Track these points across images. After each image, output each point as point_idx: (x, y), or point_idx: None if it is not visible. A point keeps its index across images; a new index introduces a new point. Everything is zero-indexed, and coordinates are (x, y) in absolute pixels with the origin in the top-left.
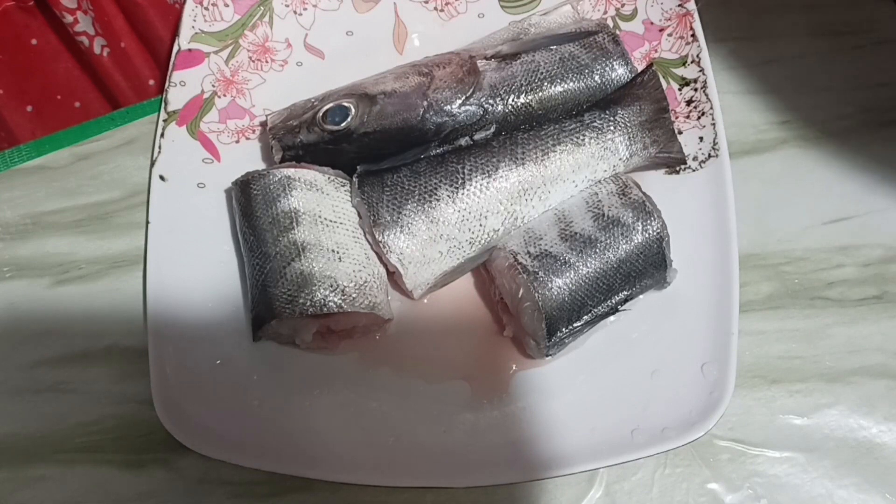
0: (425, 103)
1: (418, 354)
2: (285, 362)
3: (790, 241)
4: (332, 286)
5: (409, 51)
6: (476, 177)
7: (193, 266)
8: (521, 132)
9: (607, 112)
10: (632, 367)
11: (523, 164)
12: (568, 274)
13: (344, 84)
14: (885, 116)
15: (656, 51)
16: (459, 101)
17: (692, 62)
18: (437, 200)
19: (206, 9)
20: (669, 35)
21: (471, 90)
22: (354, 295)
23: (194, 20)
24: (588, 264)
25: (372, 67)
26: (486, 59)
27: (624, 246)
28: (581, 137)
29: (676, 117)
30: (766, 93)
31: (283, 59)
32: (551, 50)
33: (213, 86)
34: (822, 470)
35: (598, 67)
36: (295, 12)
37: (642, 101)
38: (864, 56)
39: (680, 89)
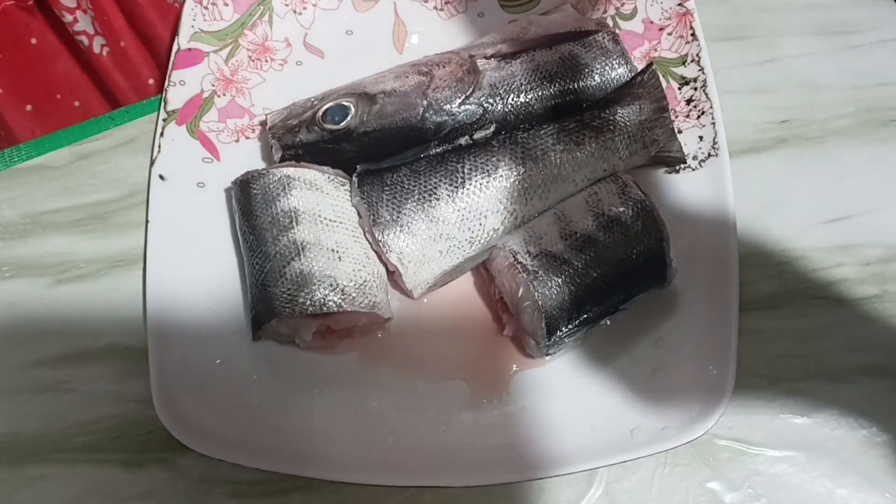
0: (425, 102)
1: (418, 354)
2: (285, 362)
3: (790, 240)
4: (331, 285)
5: (408, 50)
6: (476, 176)
7: (193, 265)
8: (520, 131)
9: (607, 111)
10: (632, 366)
11: (523, 163)
12: (568, 273)
13: (344, 83)
14: (885, 116)
15: (656, 50)
16: (459, 101)
17: (692, 61)
18: (437, 200)
19: (206, 8)
20: (669, 34)
21: (470, 89)
22: (354, 294)
23: (194, 19)
24: (588, 263)
25: (372, 67)
26: (486, 58)
27: (624, 245)
28: (581, 137)
29: (676, 116)
30: (766, 93)
31: (282, 58)
32: (551, 49)
33: (213, 85)
34: (821, 469)
35: (598, 67)
36: (294, 11)
37: (642, 101)
38: (864, 56)
39: (680, 88)
